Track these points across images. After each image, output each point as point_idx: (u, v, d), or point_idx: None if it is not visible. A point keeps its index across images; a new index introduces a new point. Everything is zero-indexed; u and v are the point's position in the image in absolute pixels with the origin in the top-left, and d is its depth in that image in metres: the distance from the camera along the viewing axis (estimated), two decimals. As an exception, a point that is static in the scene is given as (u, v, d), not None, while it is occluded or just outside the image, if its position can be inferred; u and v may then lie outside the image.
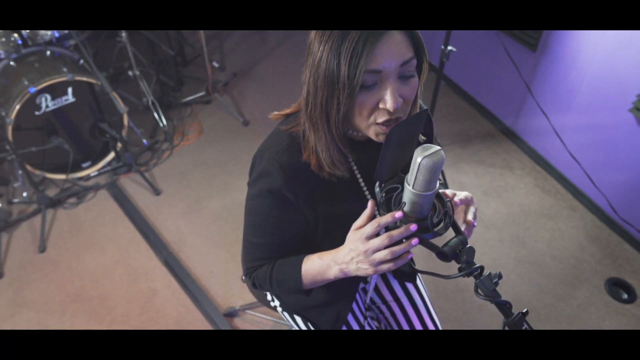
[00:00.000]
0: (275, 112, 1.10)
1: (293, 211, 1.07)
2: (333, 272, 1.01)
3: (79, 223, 2.69)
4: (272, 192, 1.04)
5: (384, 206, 0.93)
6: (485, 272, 0.93)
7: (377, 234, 0.91)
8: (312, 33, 0.92)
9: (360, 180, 1.09)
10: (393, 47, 0.88)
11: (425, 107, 0.97)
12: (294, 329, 1.45)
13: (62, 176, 2.80)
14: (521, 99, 3.01)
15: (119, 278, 2.43)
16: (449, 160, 3.07)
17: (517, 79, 2.92)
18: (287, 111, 1.09)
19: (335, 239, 1.09)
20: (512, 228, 2.68)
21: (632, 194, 2.49)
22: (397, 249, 0.90)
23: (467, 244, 0.94)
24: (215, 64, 3.80)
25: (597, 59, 2.45)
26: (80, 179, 2.92)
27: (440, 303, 2.32)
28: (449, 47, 2.29)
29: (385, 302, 1.47)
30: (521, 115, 3.07)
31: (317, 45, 0.90)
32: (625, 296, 2.37)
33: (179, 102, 3.46)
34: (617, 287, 2.41)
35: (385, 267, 0.92)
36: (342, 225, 1.10)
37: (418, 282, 1.49)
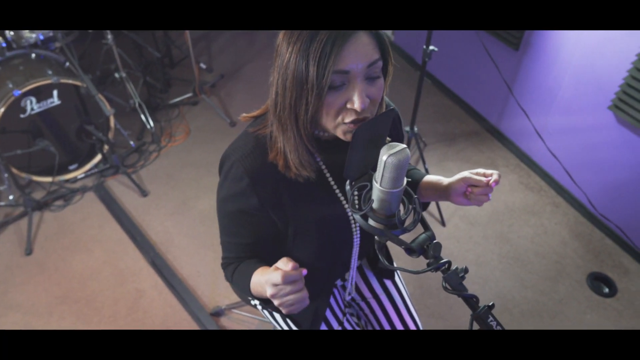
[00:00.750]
0: (244, 114, 1.12)
1: (260, 215, 1.09)
2: (266, 293, 1.01)
3: (65, 225, 2.70)
4: (237, 196, 1.06)
5: (355, 204, 0.96)
6: (453, 267, 0.95)
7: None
8: (280, 34, 0.94)
9: (330, 179, 1.11)
10: (360, 49, 0.90)
11: (393, 107, 0.99)
12: (276, 328, 1.47)
13: (48, 179, 2.81)
14: (504, 97, 3.05)
15: (106, 279, 2.44)
16: (434, 158, 3.10)
17: (501, 78, 2.96)
18: (256, 113, 1.10)
19: (306, 241, 1.11)
20: (496, 225, 2.71)
21: (612, 191, 2.53)
22: (289, 299, 0.91)
23: (434, 239, 0.97)
24: (203, 66, 3.81)
25: (577, 57, 2.49)
26: (67, 181, 2.93)
27: (424, 299, 2.35)
28: (431, 47, 2.31)
29: (364, 298, 1.49)
30: (505, 114, 3.11)
31: (285, 46, 0.91)
32: (606, 290, 2.41)
33: (167, 103, 3.47)
34: (599, 282, 2.45)
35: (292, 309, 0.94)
36: (314, 227, 1.13)
37: (397, 279, 1.51)
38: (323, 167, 1.10)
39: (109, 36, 2.96)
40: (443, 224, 2.69)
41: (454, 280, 0.94)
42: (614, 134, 2.42)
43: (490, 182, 1.09)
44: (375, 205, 0.94)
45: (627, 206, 2.49)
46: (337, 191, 1.12)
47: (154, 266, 2.48)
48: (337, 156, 1.06)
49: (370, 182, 0.94)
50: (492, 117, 3.25)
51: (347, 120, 0.95)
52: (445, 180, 1.18)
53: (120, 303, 2.34)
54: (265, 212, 1.09)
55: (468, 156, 3.13)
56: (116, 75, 3.17)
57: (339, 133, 0.99)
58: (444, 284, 0.95)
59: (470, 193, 1.12)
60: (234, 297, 2.31)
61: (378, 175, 0.90)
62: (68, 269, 2.48)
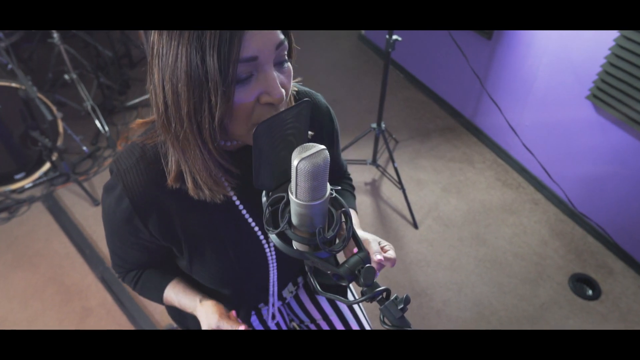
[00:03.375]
0: (139, 120, 0.91)
1: (147, 238, 0.91)
2: (190, 312, 1.02)
3: (9, 239, 2.49)
4: (118, 219, 0.88)
5: (270, 221, 0.77)
6: (392, 296, 0.77)
7: None
8: (154, 33, 0.73)
9: (232, 194, 0.91)
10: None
11: (307, 99, 0.79)
12: None
13: (-11, 190, 2.60)
14: (479, 90, 2.89)
15: (50, 298, 2.23)
16: (406, 156, 2.93)
17: (472, 70, 2.80)
18: (150, 119, 0.89)
19: (205, 265, 0.93)
20: (472, 225, 2.55)
21: (592, 186, 2.38)
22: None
23: (368, 262, 0.79)
24: (164, 65, 3.60)
25: (553, 45, 2.33)
26: (14, 191, 2.72)
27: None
28: (394, 37, 2.14)
29: (313, 320, 1.31)
30: (480, 107, 2.95)
31: (167, 42, 0.70)
32: (589, 292, 2.26)
33: (124, 105, 3.27)
34: (581, 284, 2.29)
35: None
36: (210, 250, 0.94)
37: (350, 295, 1.33)
38: (225, 184, 0.87)
39: (55, 35, 2.75)
40: (415, 226, 2.52)
41: (393, 314, 0.75)
42: (593, 125, 2.26)
43: (376, 258, 0.92)
44: (294, 220, 0.75)
45: (607, 202, 2.33)
46: (241, 207, 0.93)
47: (103, 282, 2.29)
48: (245, 169, 0.84)
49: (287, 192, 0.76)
50: (466, 111, 3.09)
51: (264, 118, 0.76)
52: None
53: (64, 323, 2.14)
54: (151, 236, 0.91)
55: (442, 153, 2.96)
56: (66, 76, 2.96)
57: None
58: (381, 317, 0.77)
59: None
60: (189, 314, 2.13)
61: (292, 184, 0.72)
62: (9, 288, 2.27)
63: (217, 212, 0.87)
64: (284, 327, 1.28)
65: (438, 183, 2.77)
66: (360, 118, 3.16)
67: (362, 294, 0.79)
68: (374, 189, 2.74)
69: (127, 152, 0.87)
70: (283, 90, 0.75)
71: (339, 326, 1.28)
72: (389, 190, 2.72)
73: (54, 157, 2.71)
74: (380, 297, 0.77)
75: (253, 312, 1.22)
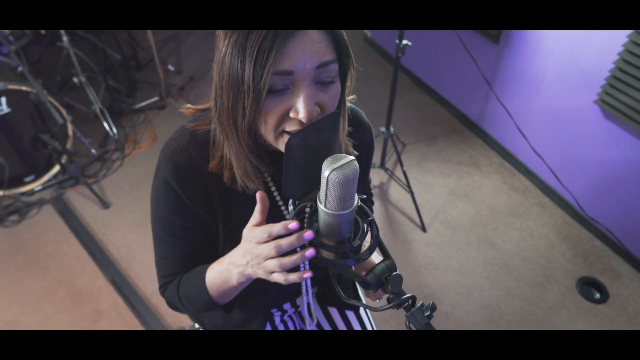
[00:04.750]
0: (189, 105, 0.95)
1: (193, 218, 0.94)
2: (234, 277, 0.86)
3: (19, 242, 2.51)
4: (167, 197, 0.91)
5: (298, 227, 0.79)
6: (418, 303, 0.79)
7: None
8: (219, 30, 0.79)
9: (276, 194, 0.95)
10: (308, 46, 0.72)
11: (336, 111, 0.81)
12: None
13: (0, 192, 2.61)
14: (485, 94, 2.90)
15: (62, 301, 2.25)
16: (414, 159, 2.95)
17: (481, 74, 2.81)
18: (202, 106, 0.94)
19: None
20: (479, 229, 2.56)
21: (599, 189, 2.39)
22: (285, 261, 0.75)
23: (395, 270, 0.81)
24: (171, 67, 3.62)
25: (561, 49, 2.34)
26: (23, 194, 2.73)
27: (400, 314, 2.19)
28: (404, 42, 2.15)
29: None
30: (486, 110, 2.96)
31: (222, 38, 0.76)
32: (597, 296, 2.27)
33: (132, 108, 3.28)
34: (589, 287, 2.31)
35: (277, 277, 0.78)
36: None
37: (361, 310, 1.34)
38: (269, 179, 0.94)
39: (64, 38, 2.77)
40: (424, 229, 2.54)
41: (420, 321, 0.77)
42: (601, 129, 2.28)
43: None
44: (322, 229, 0.77)
45: (615, 205, 2.35)
46: (283, 208, 0.96)
47: (113, 284, 2.30)
48: (278, 165, 0.89)
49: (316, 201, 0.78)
50: (473, 115, 3.10)
51: (289, 129, 0.78)
52: None
53: (76, 326, 2.15)
54: (200, 215, 0.94)
55: (449, 156, 2.98)
56: (75, 79, 2.98)
57: (281, 145, 0.81)
58: (407, 323, 0.79)
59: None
60: (200, 317, 2.14)
61: (322, 194, 0.74)
62: (20, 291, 2.29)
63: (254, 201, 0.89)
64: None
65: (445, 186, 2.79)
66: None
67: (388, 301, 0.80)
68: (382, 192, 2.75)
69: (176, 137, 0.92)
70: (317, 109, 0.77)
71: None
72: (397, 193, 2.73)
73: (64, 160, 2.73)
74: (407, 304, 0.78)
75: (277, 313, 1.24)
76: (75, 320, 2.17)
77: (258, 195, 0.78)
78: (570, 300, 2.25)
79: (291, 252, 0.76)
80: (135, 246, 2.48)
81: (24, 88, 2.43)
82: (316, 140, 0.76)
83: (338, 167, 0.69)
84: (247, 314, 1.15)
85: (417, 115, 3.28)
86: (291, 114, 0.76)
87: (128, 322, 2.16)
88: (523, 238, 2.52)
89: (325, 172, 0.70)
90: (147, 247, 2.47)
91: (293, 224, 0.74)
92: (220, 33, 0.77)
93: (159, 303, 2.23)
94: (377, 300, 0.97)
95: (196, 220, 0.95)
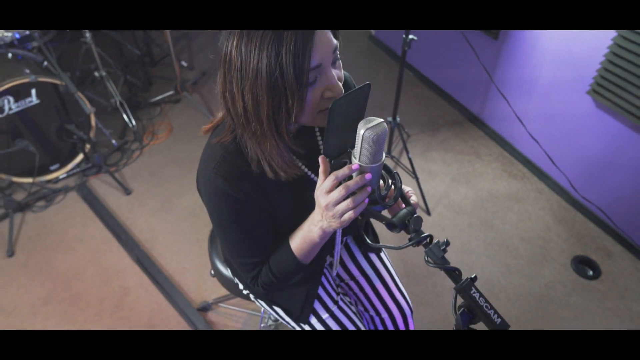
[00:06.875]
0: (205, 127, 1.09)
1: (253, 207, 1.07)
2: (316, 234, 1.02)
3: (48, 226, 2.66)
4: (229, 207, 1.04)
5: None
6: (435, 241, 0.95)
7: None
8: (231, 43, 0.89)
9: (302, 165, 1.10)
10: (325, 38, 0.89)
11: (368, 83, 0.98)
12: (265, 317, 1.45)
13: (29, 179, 2.77)
14: (485, 86, 3.07)
15: (91, 278, 2.41)
16: (418, 149, 3.11)
17: (481, 67, 2.98)
18: (215, 122, 1.08)
19: (290, 225, 1.10)
20: (480, 212, 2.73)
21: (592, 174, 2.56)
22: (356, 197, 0.92)
23: (415, 213, 0.97)
24: (184, 63, 3.79)
25: (556, 43, 2.51)
26: (49, 181, 2.89)
27: (411, 287, 2.36)
28: (411, 36, 2.32)
29: (352, 277, 1.50)
30: (486, 102, 3.13)
31: (246, 54, 0.86)
32: (590, 273, 2.44)
33: (148, 102, 3.45)
34: (583, 265, 2.47)
35: (347, 217, 0.94)
36: (294, 211, 1.12)
37: (382, 253, 1.53)
38: (303, 166, 1.10)
39: (88, 35, 2.93)
40: (428, 212, 2.70)
41: (436, 254, 0.94)
42: (593, 118, 2.45)
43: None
44: None
45: (607, 189, 2.52)
46: (311, 174, 1.11)
47: (139, 264, 2.46)
48: (304, 142, 1.07)
49: (350, 159, 0.94)
50: (474, 107, 3.27)
51: (324, 107, 0.95)
52: None
53: (105, 302, 2.31)
54: (256, 202, 1.07)
55: (451, 146, 3.15)
56: (96, 74, 3.14)
57: (318, 122, 0.98)
58: (426, 258, 0.95)
59: None
60: (221, 291, 2.30)
61: (357, 151, 0.90)
62: (51, 270, 2.45)
63: (299, 186, 1.05)
64: (332, 283, 1.46)
65: (448, 174, 2.96)
66: (373, 114, 3.33)
67: (410, 239, 0.97)
68: (387, 179, 2.92)
69: (211, 154, 1.03)
70: (340, 84, 0.94)
71: (375, 280, 1.49)
72: (403, 179, 2.88)
73: (87, 149, 2.89)
74: (425, 241, 0.95)
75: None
76: (104, 296, 2.33)
77: (320, 159, 0.93)
78: (566, 277, 2.42)
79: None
80: (158, 229, 2.64)
81: (53, 81, 2.58)
82: (352, 107, 0.93)
83: (371, 127, 0.86)
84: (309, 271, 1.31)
85: (420, 108, 3.45)
86: (325, 95, 0.93)
87: (154, 297, 2.32)
88: (521, 220, 2.69)
89: (361, 131, 0.86)
90: (168, 231, 2.63)
91: (355, 165, 0.90)
92: (236, 50, 0.88)
93: (182, 280, 2.39)
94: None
95: (256, 208, 1.07)
